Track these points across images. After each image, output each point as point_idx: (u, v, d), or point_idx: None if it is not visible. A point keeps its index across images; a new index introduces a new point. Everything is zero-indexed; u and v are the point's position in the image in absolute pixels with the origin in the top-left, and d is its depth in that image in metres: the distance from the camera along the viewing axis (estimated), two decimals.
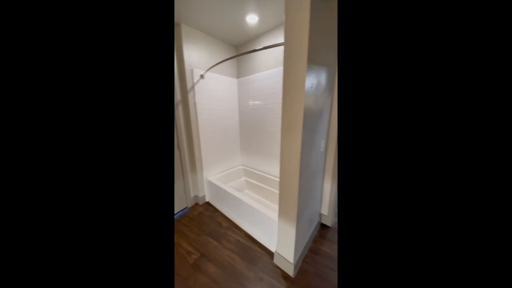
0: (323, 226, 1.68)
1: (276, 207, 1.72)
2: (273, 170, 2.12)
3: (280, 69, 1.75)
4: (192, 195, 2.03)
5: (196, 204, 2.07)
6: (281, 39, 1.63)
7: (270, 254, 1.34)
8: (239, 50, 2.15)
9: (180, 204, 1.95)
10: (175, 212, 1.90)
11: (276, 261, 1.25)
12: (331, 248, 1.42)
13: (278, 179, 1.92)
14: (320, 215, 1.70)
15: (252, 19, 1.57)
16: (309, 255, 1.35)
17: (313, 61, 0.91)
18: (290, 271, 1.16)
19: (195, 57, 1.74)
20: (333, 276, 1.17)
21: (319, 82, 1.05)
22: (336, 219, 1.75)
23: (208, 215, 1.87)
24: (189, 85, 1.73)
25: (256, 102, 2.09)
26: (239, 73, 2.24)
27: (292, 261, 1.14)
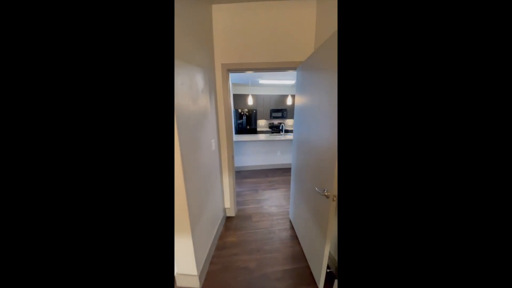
0: (228, 218, 1.80)
1: None
2: None
3: None
4: None
5: None
6: None
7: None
8: None
9: None
10: None
11: (180, 283, 1.10)
12: (236, 235, 1.57)
13: None
14: (224, 209, 1.79)
15: None
16: (216, 254, 1.36)
17: (181, 58, 0.84)
18: (196, 284, 1.08)
19: None
20: (239, 260, 1.30)
21: (192, 81, 1.02)
22: (238, 207, 1.97)
23: None
24: None
25: None
26: None
27: (196, 273, 1.06)
